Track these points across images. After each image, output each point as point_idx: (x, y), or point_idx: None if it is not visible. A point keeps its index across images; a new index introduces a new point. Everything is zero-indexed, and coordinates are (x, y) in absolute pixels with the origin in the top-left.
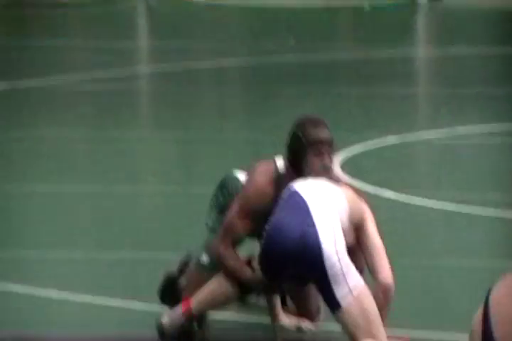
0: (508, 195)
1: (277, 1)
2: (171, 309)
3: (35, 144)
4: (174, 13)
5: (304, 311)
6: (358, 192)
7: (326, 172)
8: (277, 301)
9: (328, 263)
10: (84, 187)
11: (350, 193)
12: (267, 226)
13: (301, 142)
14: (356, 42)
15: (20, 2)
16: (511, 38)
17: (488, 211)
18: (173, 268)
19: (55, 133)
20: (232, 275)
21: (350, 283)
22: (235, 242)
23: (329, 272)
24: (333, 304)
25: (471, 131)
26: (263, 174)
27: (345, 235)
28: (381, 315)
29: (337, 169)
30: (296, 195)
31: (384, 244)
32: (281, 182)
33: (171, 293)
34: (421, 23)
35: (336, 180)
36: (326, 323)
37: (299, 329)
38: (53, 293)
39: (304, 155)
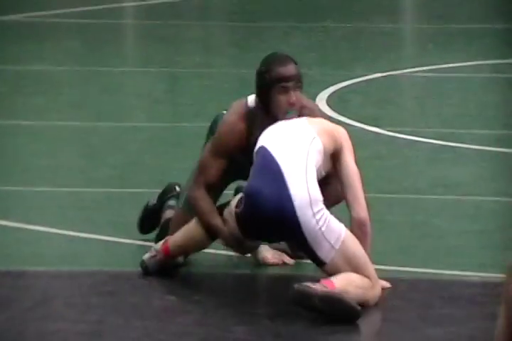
0: (495, 130)
1: None
2: (155, 245)
3: (19, 79)
4: None
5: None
6: (332, 123)
7: (293, 108)
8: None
9: (306, 230)
10: (70, 122)
11: (322, 126)
12: (244, 190)
13: (265, 79)
14: None
15: None
16: None
17: (474, 146)
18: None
19: (39, 68)
20: (200, 218)
21: (331, 240)
22: (210, 185)
23: (308, 237)
24: (318, 262)
25: (458, 67)
26: (234, 112)
27: (321, 171)
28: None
29: (320, 103)
30: (267, 154)
31: (370, 179)
32: (252, 118)
33: (148, 222)
34: None
35: (308, 113)
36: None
37: (283, 263)
38: (40, 229)
39: (269, 93)
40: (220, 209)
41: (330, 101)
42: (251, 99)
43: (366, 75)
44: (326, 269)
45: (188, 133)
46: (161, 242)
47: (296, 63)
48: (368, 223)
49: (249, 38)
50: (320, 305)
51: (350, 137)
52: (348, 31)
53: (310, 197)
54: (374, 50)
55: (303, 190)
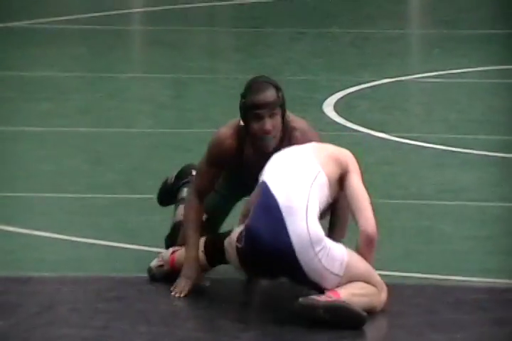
0: (501, 135)
1: None
2: (163, 253)
3: (24, 85)
4: None
5: None
6: (333, 145)
7: (267, 135)
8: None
9: (308, 269)
10: (76, 128)
11: (327, 153)
12: (245, 227)
13: (242, 106)
14: None
15: None
16: None
17: (480, 151)
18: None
19: (45, 74)
20: (183, 231)
21: (335, 270)
22: (203, 191)
23: (311, 275)
24: (323, 292)
25: (464, 72)
26: (227, 126)
27: (329, 200)
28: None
29: (327, 109)
30: (268, 192)
31: (376, 184)
32: (243, 137)
33: (166, 198)
34: None
35: (299, 135)
36: None
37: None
38: (45, 234)
39: (245, 119)
40: (221, 237)
41: (337, 107)
42: None
43: (373, 81)
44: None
45: (194, 139)
46: (169, 251)
47: (277, 88)
48: (375, 239)
49: (255, 43)
50: (326, 316)
51: (356, 158)
52: (354, 37)
53: (311, 238)
54: (381, 56)
55: (302, 231)
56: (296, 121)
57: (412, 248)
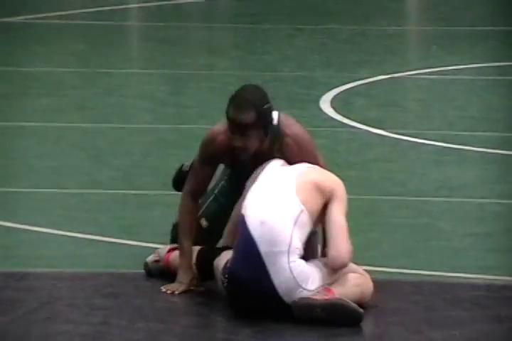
0: (499, 132)
1: None
2: (160, 249)
3: (23, 81)
4: None
5: None
6: (321, 170)
7: (241, 152)
8: None
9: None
10: (74, 124)
11: (311, 183)
12: (228, 269)
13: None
14: None
15: None
16: None
17: (478, 148)
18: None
19: (44, 70)
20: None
21: (319, 288)
22: (197, 190)
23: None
24: None
25: (462, 69)
26: (221, 122)
27: (312, 229)
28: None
29: (324, 105)
30: (249, 237)
31: (374, 181)
32: None
33: (181, 184)
34: None
35: (292, 142)
36: None
37: None
38: (44, 230)
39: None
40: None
41: (334, 104)
42: None
43: (370, 77)
44: None
45: (192, 135)
46: (166, 249)
47: (259, 109)
48: (343, 268)
49: (253, 40)
50: (323, 315)
51: (344, 186)
52: (352, 33)
53: (296, 280)
54: (378, 53)
55: (287, 277)
56: (290, 126)
57: (410, 245)
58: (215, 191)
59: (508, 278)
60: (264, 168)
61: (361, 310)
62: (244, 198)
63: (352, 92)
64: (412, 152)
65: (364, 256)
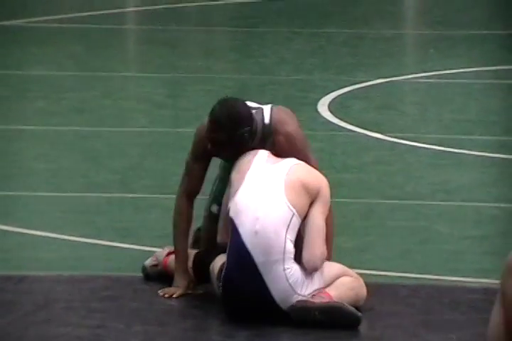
0: (496, 136)
1: None
2: (158, 252)
3: (21, 84)
4: None
5: None
6: (309, 168)
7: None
8: None
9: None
10: (72, 127)
11: (297, 179)
12: (222, 276)
13: None
14: None
15: None
16: None
17: (475, 152)
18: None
19: (41, 73)
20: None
21: (315, 291)
22: (192, 190)
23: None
24: None
25: (459, 72)
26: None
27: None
28: None
29: (322, 109)
30: (242, 246)
31: (372, 184)
32: None
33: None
34: None
35: (284, 140)
36: None
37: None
38: (41, 233)
39: None
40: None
41: (331, 107)
42: None
43: (368, 81)
44: None
45: (190, 138)
46: (164, 252)
47: (231, 129)
48: (313, 271)
49: (250, 43)
50: (321, 318)
51: (329, 185)
52: (349, 37)
53: (292, 286)
54: (375, 56)
55: (283, 284)
56: (282, 124)
57: (407, 248)
58: (221, 175)
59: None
60: (248, 159)
61: (359, 314)
62: (232, 192)
63: (349, 96)
64: (409, 155)
65: (361, 259)
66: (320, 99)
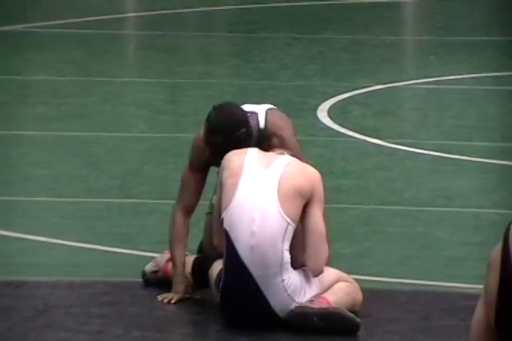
0: (496, 142)
1: None
2: (158, 257)
3: (21, 89)
4: None
5: None
6: (306, 163)
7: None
8: None
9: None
10: (71, 132)
11: (293, 187)
12: (220, 289)
13: None
14: None
15: None
16: None
17: (475, 158)
18: None
19: (41, 78)
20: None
21: (312, 297)
22: (189, 205)
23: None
24: None
25: (459, 78)
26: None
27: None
28: None
29: (321, 115)
30: (237, 258)
31: (371, 190)
32: None
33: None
34: None
35: (280, 142)
36: None
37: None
38: (41, 239)
39: None
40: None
41: (331, 113)
42: None
43: (367, 87)
44: None
45: (189, 143)
46: (165, 258)
47: (227, 133)
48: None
49: (250, 48)
50: (320, 323)
51: (323, 180)
52: (349, 42)
53: (291, 297)
54: (375, 62)
55: (282, 296)
56: (278, 128)
57: (406, 254)
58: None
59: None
60: (240, 161)
61: (358, 319)
62: (224, 199)
63: (349, 101)
64: (409, 161)
65: (360, 265)
66: (319, 104)
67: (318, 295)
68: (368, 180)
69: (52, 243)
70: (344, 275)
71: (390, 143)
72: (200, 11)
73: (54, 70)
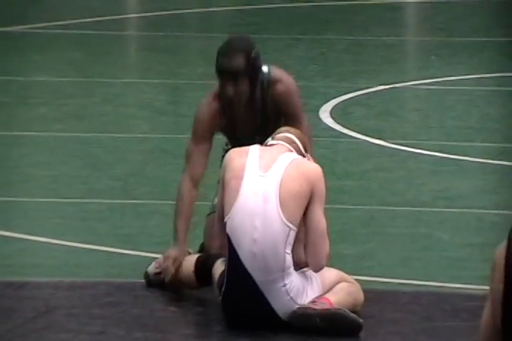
0: (497, 143)
1: None
2: (161, 258)
3: (22, 90)
4: None
5: None
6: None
7: (231, 101)
8: None
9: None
10: (72, 133)
11: (290, 186)
12: (221, 294)
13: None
14: None
15: None
16: None
17: (476, 158)
18: None
19: (42, 79)
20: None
21: (314, 298)
22: (195, 175)
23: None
24: None
25: (460, 79)
26: (208, 93)
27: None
28: None
29: (323, 115)
30: (240, 265)
31: (373, 191)
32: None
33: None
34: None
35: (284, 94)
36: None
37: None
38: (42, 239)
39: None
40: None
41: (333, 114)
42: None
43: (369, 88)
44: None
45: None
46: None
47: (248, 55)
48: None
49: None
50: (322, 324)
51: (324, 177)
52: (350, 43)
53: (294, 300)
54: (377, 63)
55: (284, 298)
56: (281, 74)
57: (408, 255)
58: None
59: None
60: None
61: (360, 320)
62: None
63: (351, 102)
64: (411, 162)
65: (362, 266)
66: (321, 105)
67: (320, 296)
68: (369, 180)
69: (53, 244)
70: (346, 276)
71: (392, 143)
72: (201, 12)
73: (55, 71)
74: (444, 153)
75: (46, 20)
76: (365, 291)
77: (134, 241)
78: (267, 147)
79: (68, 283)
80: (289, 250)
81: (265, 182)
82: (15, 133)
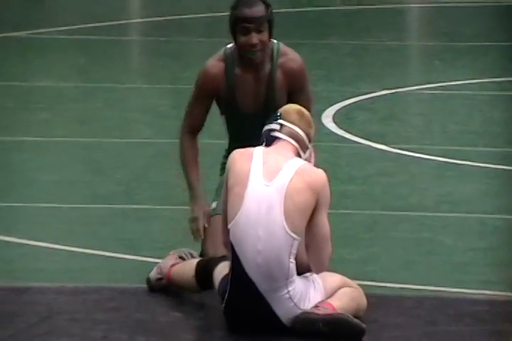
0: (500, 147)
1: None
2: (162, 263)
3: (24, 95)
4: None
5: None
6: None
7: (254, 49)
8: None
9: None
10: (75, 138)
11: (298, 196)
12: (224, 301)
13: (231, 18)
14: None
15: None
16: None
17: (479, 163)
18: None
19: (44, 84)
20: (182, 167)
21: (318, 302)
22: (195, 128)
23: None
24: None
25: (463, 84)
26: (213, 56)
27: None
28: None
29: (326, 120)
30: (243, 274)
31: (376, 195)
32: (230, 59)
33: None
34: None
35: (291, 67)
36: None
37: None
38: (44, 244)
39: (234, 32)
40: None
41: (336, 118)
42: (231, 44)
43: (372, 92)
44: None
45: None
46: (168, 264)
47: (267, 4)
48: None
49: None
50: (325, 329)
51: (329, 182)
52: (353, 48)
53: (297, 306)
54: (380, 67)
55: (288, 305)
56: (287, 48)
57: (411, 259)
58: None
59: (509, 293)
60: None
61: (363, 325)
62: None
63: (354, 107)
64: (414, 166)
65: (365, 271)
66: (324, 110)
67: (322, 301)
68: (372, 185)
69: (55, 249)
70: (348, 280)
71: (395, 148)
72: (204, 16)
73: (58, 76)
74: (448, 157)
75: (49, 25)
76: (368, 296)
77: (137, 246)
78: (271, 148)
79: (71, 288)
80: (292, 259)
81: (270, 193)
82: (17, 138)
